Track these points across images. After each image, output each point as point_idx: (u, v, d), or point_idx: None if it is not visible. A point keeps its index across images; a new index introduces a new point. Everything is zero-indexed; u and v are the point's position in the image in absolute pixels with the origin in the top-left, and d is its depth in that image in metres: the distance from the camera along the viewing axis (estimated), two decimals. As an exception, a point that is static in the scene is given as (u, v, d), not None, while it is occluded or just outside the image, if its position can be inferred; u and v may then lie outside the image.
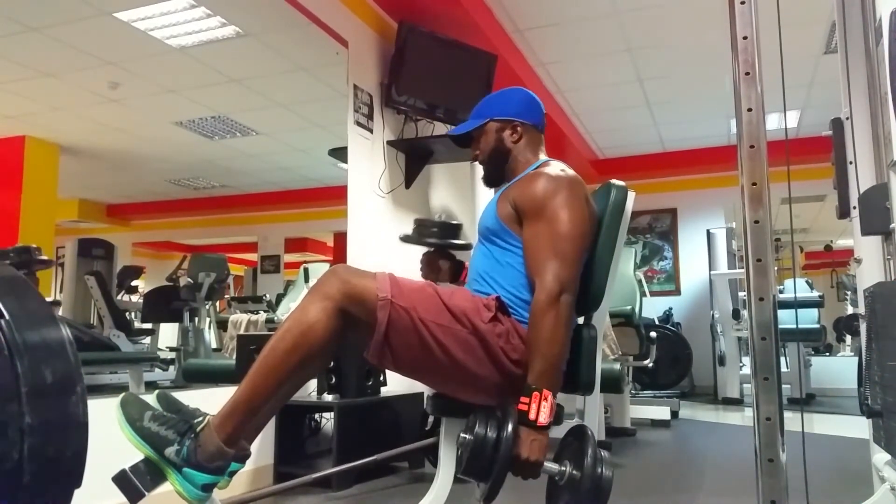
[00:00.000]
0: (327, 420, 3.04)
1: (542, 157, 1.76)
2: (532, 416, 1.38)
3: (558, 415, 1.55)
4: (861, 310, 1.98)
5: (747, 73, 1.36)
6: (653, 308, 6.58)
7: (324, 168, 4.14)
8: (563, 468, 1.41)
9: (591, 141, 6.78)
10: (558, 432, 1.58)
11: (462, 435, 1.38)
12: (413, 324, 1.46)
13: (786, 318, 5.53)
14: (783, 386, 1.70)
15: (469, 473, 1.38)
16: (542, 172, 1.62)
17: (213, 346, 4.51)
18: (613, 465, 1.40)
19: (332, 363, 2.77)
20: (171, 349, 4.43)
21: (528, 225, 1.58)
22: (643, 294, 4.75)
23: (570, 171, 1.64)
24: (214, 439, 1.39)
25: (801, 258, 10.11)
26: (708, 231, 6.65)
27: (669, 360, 5.85)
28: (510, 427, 1.35)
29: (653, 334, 4.18)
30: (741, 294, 5.97)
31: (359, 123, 3.47)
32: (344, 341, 1.52)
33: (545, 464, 1.41)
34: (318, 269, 4.18)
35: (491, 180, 1.80)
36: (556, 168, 1.64)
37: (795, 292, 6.19)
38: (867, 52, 2.01)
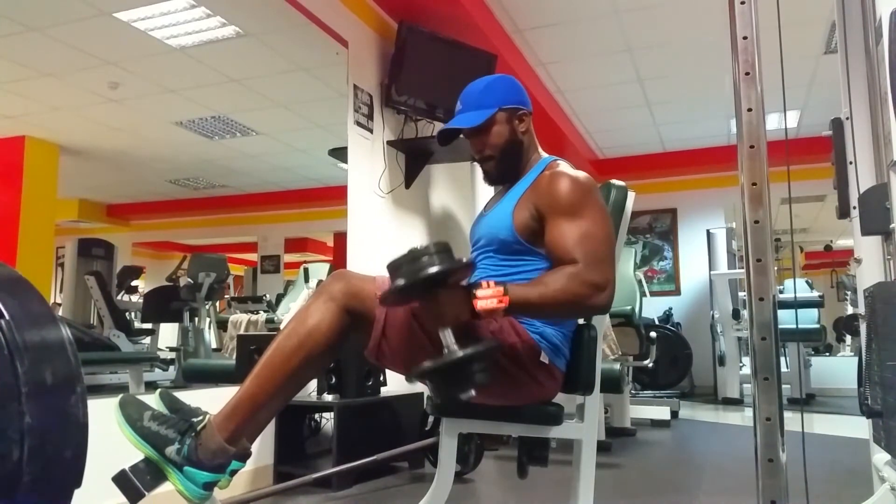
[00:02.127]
0: (327, 420, 3.04)
1: (543, 153, 1.73)
2: (479, 292, 1.33)
3: (557, 416, 1.55)
4: (861, 310, 1.97)
5: (747, 73, 1.36)
6: (653, 308, 6.58)
7: (324, 168, 4.14)
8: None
9: (591, 141, 6.78)
10: (557, 433, 1.58)
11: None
12: (408, 320, 1.47)
13: (786, 318, 5.53)
14: (783, 386, 1.70)
15: (391, 272, 1.32)
16: (564, 173, 1.55)
17: (213, 346, 4.51)
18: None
19: (332, 363, 2.77)
20: (171, 349, 4.43)
21: (556, 223, 1.50)
22: (643, 294, 4.75)
23: (584, 173, 1.61)
24: (216, 437, 1.40)
25: (801, 258, 10.11)
26: (708, 231, 6.65)
27: (669, 360, 5.84)
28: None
29: (653, 334, 4.18)
30: (741, 294, 5.97)
31: (359, 123, 3.47)
32: (346, 342, 1.53)
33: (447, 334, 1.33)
34: (318, 269, 4.19)
35: (501, 178, 1.70)
36: (571, 169, 1.60)
37: (795, 292, 6.19)
38: (867, 52, 2.01)
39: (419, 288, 1.31)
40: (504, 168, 1.67)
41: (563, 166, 1.61)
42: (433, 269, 1.27)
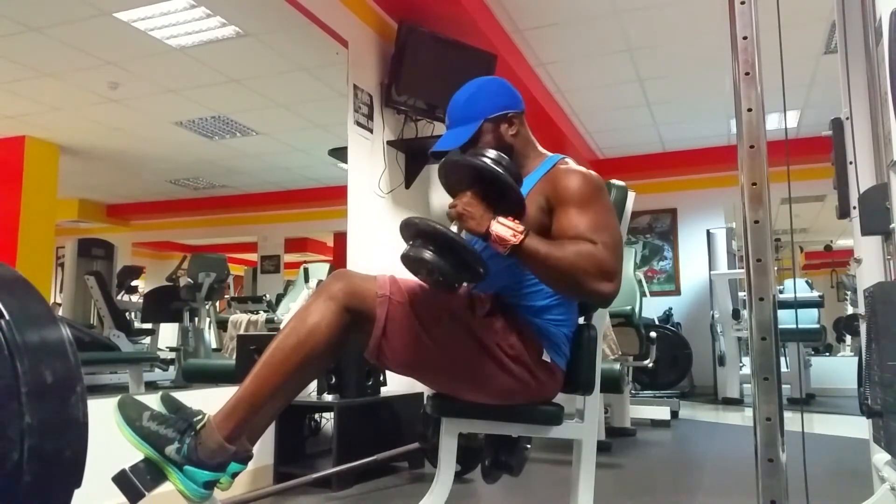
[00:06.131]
0: (327, 420, 3.04)
1: (544, 150, 1.71)
2: (501, 218, 1.42)
3: (558, 416, 1.56)
4: (861, 310, 1.98)
5: (747, 73, 1.36)
6: (653, 308, 6.58)
7: (324, 168, 4.14)
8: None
9: (591, 141, 6.78)
10: (557, 433, 1.58)
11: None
12: (409, 320, 1.47)
13: (786, 318, 5.53)
14: (783, 386, 1.70)
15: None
16: (577, 170, 1.55)
17: (213, 346, 4.51)
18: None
19: (333, 364, 2.77)
20: (171, 349, 4.43)
21: (568, 213, 1.49)
22: (643, 294, 4.75)
23: (594, 172, 1.60)
24: (215, 436, 1.40)
25: (801, 258, 10.11)
26: (708, 231, 6.65)
27: (669, 360, 5.84)
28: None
29: (653, 334, 4.18)
30: (741, 294, 5.96)
31: (359, 123, 3.47)
32: (346, 342, 1.53)
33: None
34: (318, 269, 4.19)
35: None
36: (580, 167, 1.58)
37: (795, 292, 6.19)
38: (867, 52, 2.01)
39: (489, 175, 1.42)
40: None
41: (573, 165, 1.61)
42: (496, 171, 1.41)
